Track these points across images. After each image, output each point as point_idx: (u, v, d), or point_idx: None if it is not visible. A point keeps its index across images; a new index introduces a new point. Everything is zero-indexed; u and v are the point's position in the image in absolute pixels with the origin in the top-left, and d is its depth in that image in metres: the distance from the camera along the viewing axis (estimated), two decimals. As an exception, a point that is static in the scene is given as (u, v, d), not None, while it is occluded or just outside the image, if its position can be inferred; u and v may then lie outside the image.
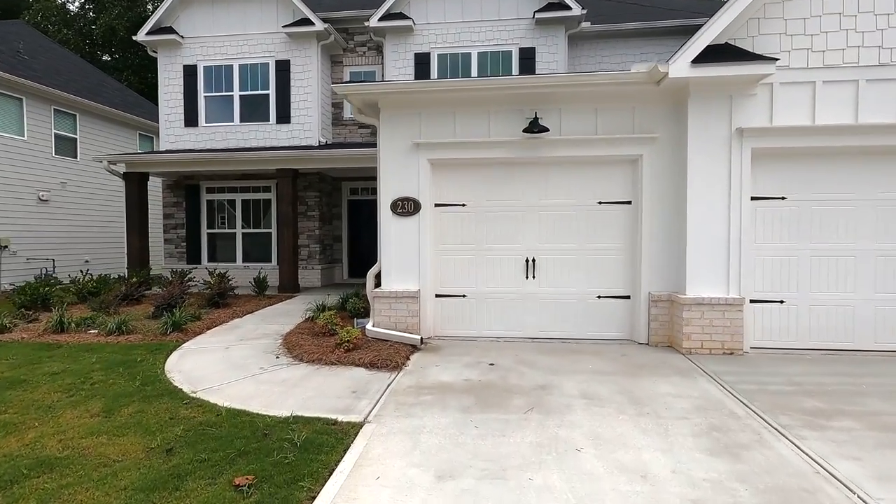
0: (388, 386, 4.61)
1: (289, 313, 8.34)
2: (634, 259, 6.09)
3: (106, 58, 30.38)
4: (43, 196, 14.16)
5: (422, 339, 5.91)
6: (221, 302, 8.87)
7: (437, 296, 6.45)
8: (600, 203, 6.19)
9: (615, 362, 5.27)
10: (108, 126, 16.39)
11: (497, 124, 6.13)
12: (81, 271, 10.83)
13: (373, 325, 6.26)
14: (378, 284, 6.50)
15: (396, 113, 6.27)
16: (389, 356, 5.32)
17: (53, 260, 14.32)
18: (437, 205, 6.42)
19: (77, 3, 32.21)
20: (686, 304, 5.49)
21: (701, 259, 5.54)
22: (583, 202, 6.22)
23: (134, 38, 12.81)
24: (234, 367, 5.28)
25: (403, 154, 6.26)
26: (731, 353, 5.45)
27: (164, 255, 12.80)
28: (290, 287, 10.80)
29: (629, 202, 6.13)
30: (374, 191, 13.35)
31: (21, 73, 13.47)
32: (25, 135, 13.75)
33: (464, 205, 6.40)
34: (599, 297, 6.22)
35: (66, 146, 15.02)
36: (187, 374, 5.06)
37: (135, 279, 10.20)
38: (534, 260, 6.28)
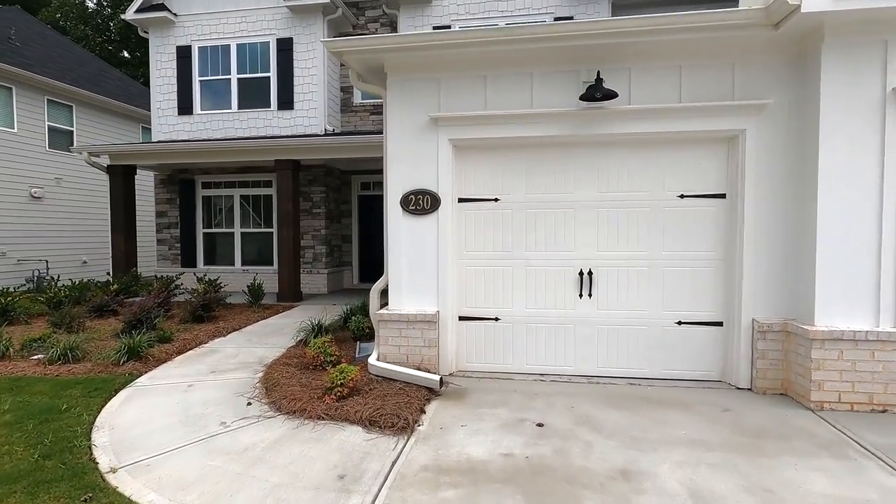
0: (393, 466, 3.12)
1: (282, 330, 6.95)
2: (731, 273, 4.47)
3: (125, 54, 29.74)
4: (35, 193, 13.13)
5: (441, 379, 4.40)
6: (206, 315, 7.54)
7: (461, 318, 4.94)
8: (682, 197, 4.59)
9: (717, 424, 3.68)
10: (108, 118, 15.32)
11: (543, 91, 4.58)
12: (63, 280, 9.68)
13: (377, 359, 4.79)
14: (385, 303, 5.03)
15: (408, 78, 4.77)
16: (397, 408, 3.84)
17: (47, 261, 13.29)
18: (461, 200, 4.91)
19: (126, 17, 31.74)
20: (816, 338, 3.86)
21: (837, 274, 3.89)
22: (658, 196, 4.62)
23: (122, 16, 11.61)
24: (187, 420, 3.88)
25: (417, 133, 4.76)
26: (885, 411, 3.81)
27: (156, 258, 11.60)
28: (290, 295, 9.43)
29: (723, 195, 4.51)
30: None
31: (9, 61, 12.43)
32: (16, 127, 12.72)
33: (496, 199, 4.87)
34: (680, 322, 4.62)
35: (61, 139, 13.94)
36: (120, 433, 3.67)
37: (115, 286, 8.97)
38: (590, 273, 4.72)
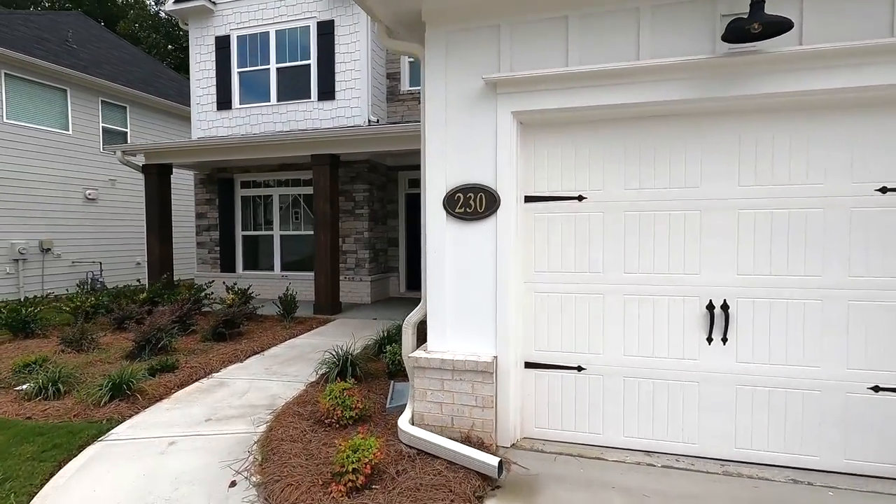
0: None
1: (308, 355, 5.84)
2: (976, 314, 2.74)
3: (192, 60, 30.72)
4: (90, 195, 13.06)
5: (501, 463, 3.00)
6: (228, 332, 6.60)
7: (527, 365, 3.52)
8: (885, 191, 2.91)
9: None
10: (162, 119, 15.17)
11: (656, 35, 3.05)
12: (117, 282, 9.23)
13: (411, 421, 3.47)
14: (422, 340, 3.71)
15: (455, 28, 3.40)
16: (433, 516, 2.51)
17: (101, 263, 13.20)
18: (529, 198, 3.48)
19: (166, 9, 33.04)
20: None
21: None
22: (841, 189, 2.97)
23: (162, 11, 11.11)
24: (142, 511, 2.76)
25: (467, 106, 3.39)
26: None
27: (196, 262, 11.03)
28: (327, 306, 8.39)
29: (961, 188, 2.79)
30: None
31: (64, 63, 12.37)
32: (70, 129, 12.66)
33: (580, 197, 3.40)
34: (878, 388, 2.95)
35: (115, 140, 13.84)
36: (47, 531, 2.61)
37: (144, 295, 8.31)
38: (724, 306, 3.14)
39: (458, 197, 3.38)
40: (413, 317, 3.68)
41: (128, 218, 14.01)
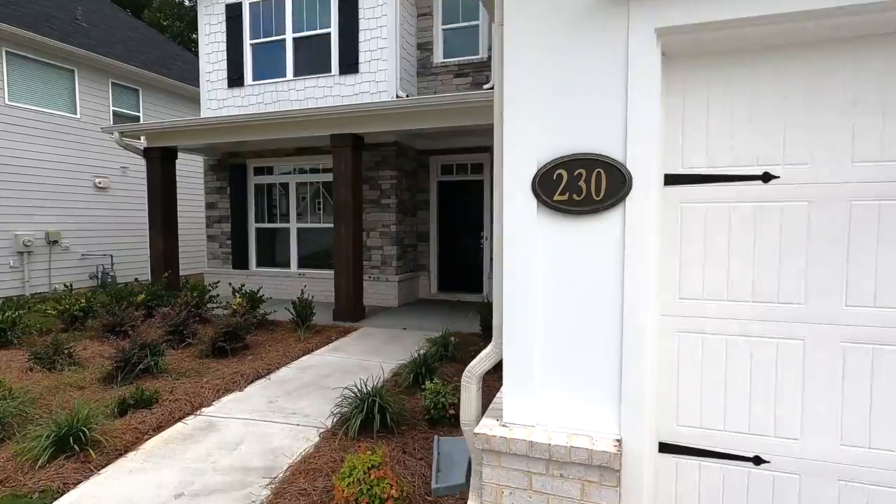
0: None
1: (324, 381, 4.63)
2: None
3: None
4: (100, 183, 12.19)
5: None
6: (231, 347, 5.45)
7: (664, 449, 2.19)
8: None
9: None
10: (178, 103, 14.22)
11: None
12: (129, 277, 8.27)
13: (477, 537, 2.20)
14: (489, 385, 2.41)
15: None
16: None
17: (112, 256, 12.36)
18: (672, 178, 2.13)
19: (190, -3, 32.57)
20: None
21: None
22: None
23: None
24: None
25: (575, 20, 2.04)
26: None
27: (206, 257, 9.99)
28: (348, 312, 7.18)
29: None
30: (478, 167, 9.41)
31: (71, 41, 11.44)
32: (78, 112, 11.77)
33: (766, 177, 2.02)
34: None
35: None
36: None
37: (142, 296, 7.27)
38: None
39: (559, 176, 2.05)
40: (477, 366, 2.39)
41: (141, 208, 13.06)
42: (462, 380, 2.39)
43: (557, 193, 2.04)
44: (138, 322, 6.40)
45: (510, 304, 2.20)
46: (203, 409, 4.04)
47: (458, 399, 3.30)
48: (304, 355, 5.57)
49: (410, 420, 3.58)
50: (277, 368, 5.09)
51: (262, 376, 4.84)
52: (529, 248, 2.13)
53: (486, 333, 5.72)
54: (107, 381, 4.63)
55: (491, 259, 9.09)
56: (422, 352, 4.76)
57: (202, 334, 6.07)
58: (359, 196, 7.31)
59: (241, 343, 5.66)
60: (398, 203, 8.53)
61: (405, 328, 6.79)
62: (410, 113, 6.66)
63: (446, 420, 3.44)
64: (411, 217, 9.11)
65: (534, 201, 2.09)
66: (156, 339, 5.40)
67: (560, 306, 2.12)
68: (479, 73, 8.98)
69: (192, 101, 14.23)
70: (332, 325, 6.90)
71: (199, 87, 12.83)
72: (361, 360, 5.33)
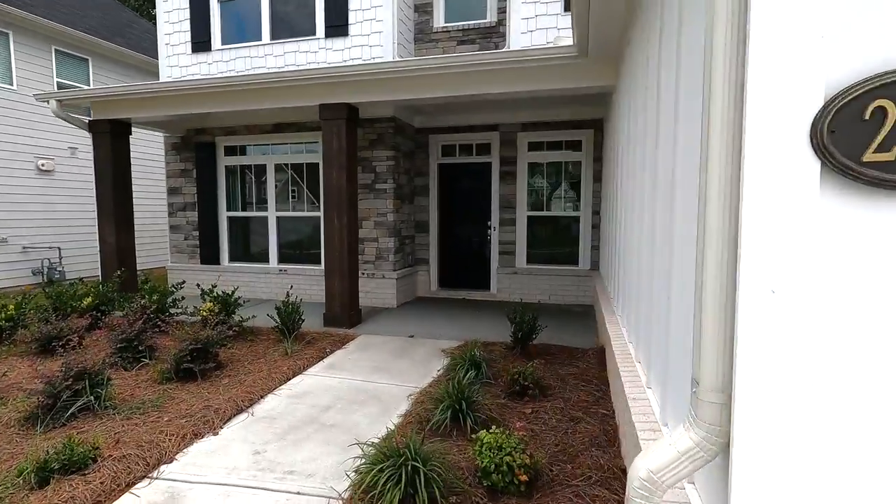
0: None
1: (325, 416, 3.53)
2: None
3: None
4: (44, 165, 10.60)
5: None
6: (201, 367, 4.29)
7: None
8: None
9: None
10: (134, 76, 12.61)
11: None
12: (80, 272, 6.89)
13: None
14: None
15: None
16: None
17: (59, 249, 10.83)
18: None
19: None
20: None
21: None
22: None
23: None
24: None
25: None
26: None
27: (170, 251, 8.66)
28: (342, 317, 6.08)
29: None
30: (484, 148, 8.29)
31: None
32: (15, 82, 10.14)
33: None
34: None
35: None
36: None
37: (88, 300, 5.98)
38: None
39: (879, 113, 1.02)
40: (668, 473, 1.32)
41: (93, 194, 11.58)
42: (632, 499, 1.34)
43: (873, 149, 1.01)
44: (82, 334, 5.15)
45: (763, 349, 1.17)
46: (163, 469, 2.91)
47: (532, 458, 2.30)
48: (294, 376, 4.46)
49: (459, 487, 2.55)
50: (262, 397, 3.97)
51: (242, 410, 3.72)
52: (797, 249, 1.11)
53: (520, 345, 4.72)
54: (30, 422, 3.44)
55: (501, 252, 8.22)
56: (439, 370, 3.71)
57: (163, 350, 4.89)
58: (353, 180, 6.17)
59: (214, 361, 4.50)
60: (395, 188, 7.41)
61: (412, 336, 5.74)
62: (419, 75, 5.52)
63: (513, 489, 2.43)
64: (409, 204, 8.01)
65: (812, 164, 1.07)
66: (102, 359, 4.20)
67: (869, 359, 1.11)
68: (487, 39, 7.89)
69: (152, 74, 12.65)
70: (323, 333, 5.79)
71: (157, 58, 11.30)
72: (368, 383, 4.26)
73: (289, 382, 4.31)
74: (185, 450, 3.12)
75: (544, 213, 7.84)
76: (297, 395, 4.02)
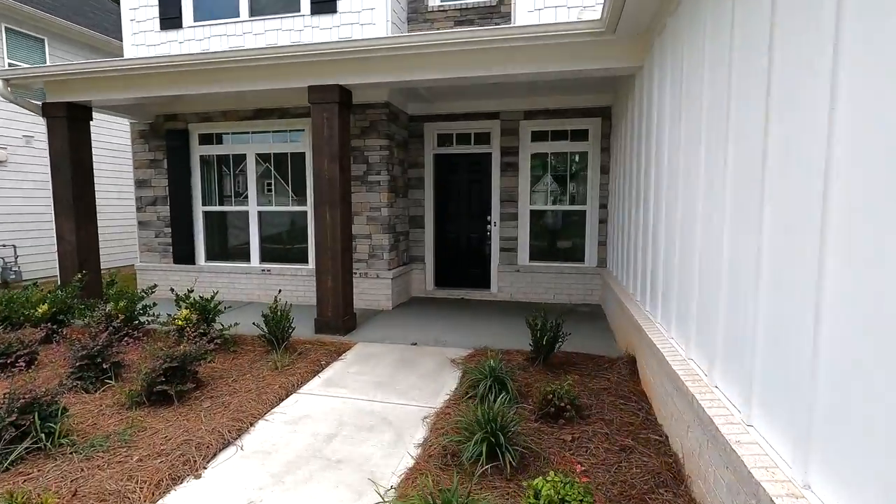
0: None
1: (329, 450, 2.96)
2: None
3: None
4: (-5, 155, 9.64)
5: None
6: (178, 389, 3.68)
7: None
8: None
9: None
10: (95, 58, 11.60)
11: None
12: (39, 272, 6.10)
13: None
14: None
15: None
16: None
17: (15, 247, 9.90)
18: None
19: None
20: None
21: None
22: None
23: None
24: None
25: None
26: None
27: (139, 250, 7.88)
28: (336, 323, 5.50)
29: None
30: (483, 137, 7.72)
31: (-59, -33, 8.73)
32: (-41, 63, 9.15)
33: None
34: None
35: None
36: None
37: (44, 308, 5.25)
38: None
39: None
40: None
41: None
42: None
43: None
44: (35, 349, 4.44)
45: None
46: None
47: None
48: (287, 396, 3.88)
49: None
50: (252, 424, 3.39)
51: (229, 443, 3.13)
52: None
53: (542, 355, 4.24)
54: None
55: (502, 249, 7.72)
56: (454, 387, 3.21)
57: (133, 367, 4.25)
58: (347, 171, 5.57)
59: (193, 380, 3.89)
60: (389, 180, 6.83)
61: (415, 343, 5.21)
62: (432, 56, 4.92)
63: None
64: (403, 198, 7.44)
65: None
66: (60, 381, 3.56)
67: None
68: (486, 19, 7.34)
69: (116, 56, 11.68)
70: (316, 342, 5.21)
71: (121, 39, 10.42)
72: (374, 403, 3.72)
73: (282, 404, 3.74)
74: (160, 501, 2.53)
75: (548, 206, 7.38)
76: (294, 421, 3.45)
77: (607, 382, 3.89)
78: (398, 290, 7.13)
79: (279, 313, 4.83)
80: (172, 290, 5.09)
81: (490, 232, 7.52)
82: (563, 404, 3.20)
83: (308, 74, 5.23)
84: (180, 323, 4.68)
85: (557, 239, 7.45)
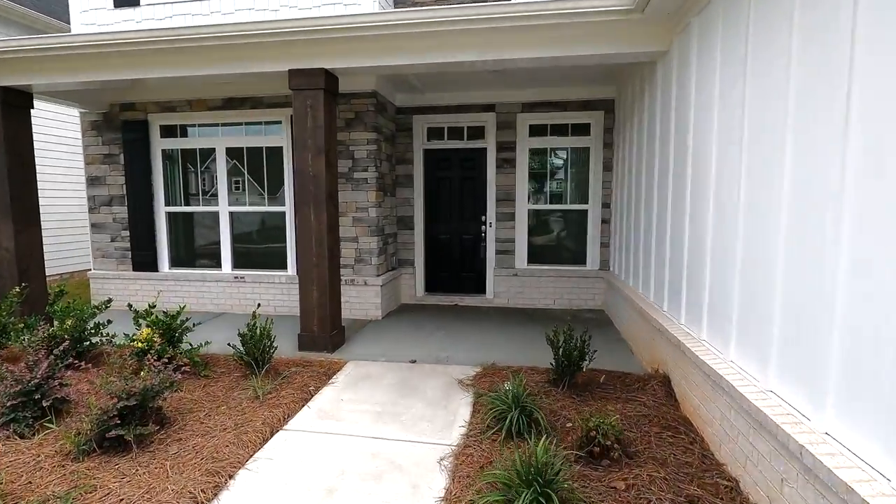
0: None
1: (333, 516, 2.42)
2: None
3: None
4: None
5: None
6: (135, 433, 3.00)
7: None
8: None
9: None
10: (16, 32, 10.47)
11: None
12: None
13: None
14: None
15: None
16: None
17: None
18: None
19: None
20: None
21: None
22: None
23: None
24: None
25: None
26: None
27: (92, 255, 7.01)
28: (322, 338, 4.87)
29: None
30: (477, 132, 6.86)
31: None
32: None
33: None
34: None
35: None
36: None
37: (-28, 328, 4.42)
38: None
39: None
40: None
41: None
42: None
43: None
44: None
45: None
46: None
47: None
48: (272, 434, 3.26)
49: None
50: (231, 476, 2.77)
51: (201, 511, 2.51)
52: None
53: (567, 377, 3.73)
54: None
55: (498, 251, 7.21)
56: (467, 419, 2.67)
57: (80, 404, 3.54)
58: (334, 166, 4.94)
59: (156, 418, 3.22)
60: (378, 178, 6.22)
61: (414, 361, 4.64)
62: (433, 35, 4.34)
63: None
64: (390, 197, 6.85)
65: None
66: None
67: None
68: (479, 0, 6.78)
69: (38, 31, 10.57)
70: (301, 362, 4.57)
71: (67, 21, 9.40)
72: (378, 441, 3.14)
73: (267, 446, 3.12)
74: None
75: (547, 206, 6.92)
76: (283, 471, 2.84)
77: (644, 408, 3.42)
78: (387, 297, 6.53)
79: (259, 331, 4.17)
80: (130, 305, 4.35)
81: (485, 233, 7.01)
82: (608, 442, 2.71)
83: (289, 56, 4.57)
84: (140, 346, 3.97)
85: (558, 240, 7.00)
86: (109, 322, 4.53)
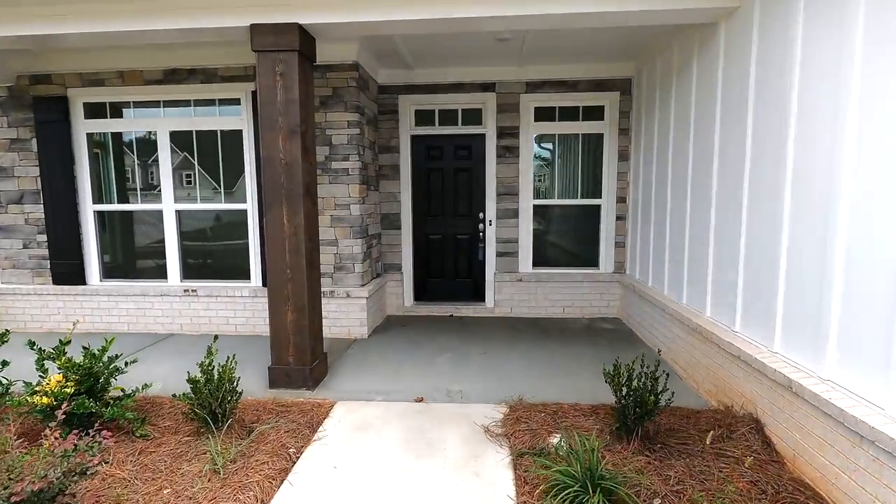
0: None
1: None
2: None
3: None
4: None
5: None
6: (23, 557, 1.93)
7: None
8: None
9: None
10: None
11: None
12: None
13: None
14: None
15: None
16: None
17: None
18: None
19: None
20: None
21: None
22: None
23: None
24: None
25: None
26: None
27: (1, 266, 5.63)
28: (300, 371, 3.83)
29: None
30: (473, 115, 5.81)
31: None
32: None
33: None
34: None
35: None
36: None
37: None
38: None
39: None
40: None
41: None
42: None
43: None
44: None
45: None
46: None
47: None
48: (240, 539, 2.24)
49: None
50: None
51: None
52: None
53: (638, 427, 2.85)
54: None
55: (499, 253, 6.20)
56: (510, 494, 1.77)
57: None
58: (312, 152, 3.88)
59: (61, 522, 2.13)
60: (361, 168, 5.19)
61: (420, 399, 3.68)
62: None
63: None
64: (373, 191, 5.82)
65: None
66: None
67: None
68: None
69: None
70: (273, 406, 3.51)
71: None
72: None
73: (232, 564, 2.10)
74: None
75: (555, 200, 6.08)
76: None
77: (740, 467, 2.60)
78: (374, 311, 5.53)
79: (217, 372, 3.10)
80: (32, 343, 3.17)
81: (483, 233, 6.10)
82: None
83: (252, 5, 3.48)
84: (44, 402, 2.83)
85: (567, 240, 6.18)
86: (6, 364, 3.31)
